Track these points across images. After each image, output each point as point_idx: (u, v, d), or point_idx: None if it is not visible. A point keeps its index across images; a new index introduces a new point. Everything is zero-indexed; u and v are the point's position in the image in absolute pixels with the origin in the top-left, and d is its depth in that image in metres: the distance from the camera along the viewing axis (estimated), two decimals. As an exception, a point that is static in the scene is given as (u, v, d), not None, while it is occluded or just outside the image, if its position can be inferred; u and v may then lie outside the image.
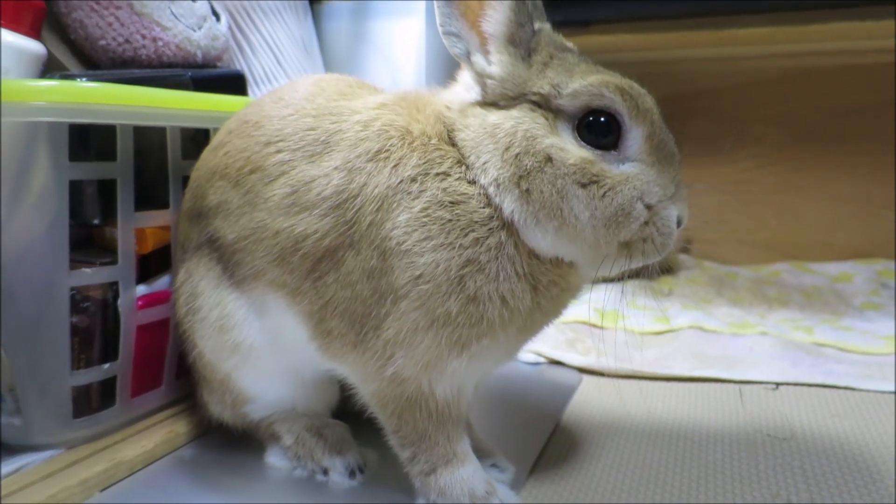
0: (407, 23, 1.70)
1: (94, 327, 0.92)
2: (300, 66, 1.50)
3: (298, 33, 1.51)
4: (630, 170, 0.68)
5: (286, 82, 1.48)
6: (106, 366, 0.92)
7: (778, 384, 1.14)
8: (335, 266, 0.71)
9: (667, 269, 1.97)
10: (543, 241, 0.69)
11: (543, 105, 0.69)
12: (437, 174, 0.69)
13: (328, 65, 1.71)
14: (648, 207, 0.68)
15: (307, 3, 1.59)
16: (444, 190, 0.68)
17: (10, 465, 0.84)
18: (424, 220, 0.67)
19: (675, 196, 0.70)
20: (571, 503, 0.79)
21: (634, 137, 0.69)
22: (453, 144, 0.72)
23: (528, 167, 0.67)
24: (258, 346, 0.82)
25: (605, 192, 0.67)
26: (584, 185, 0.67)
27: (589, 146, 0.68)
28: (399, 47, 1.70)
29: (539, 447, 0.93)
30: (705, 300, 1.65)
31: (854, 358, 1.25)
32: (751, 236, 2.10)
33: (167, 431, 0.95)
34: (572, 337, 1.36)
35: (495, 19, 0.70)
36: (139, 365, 0.96)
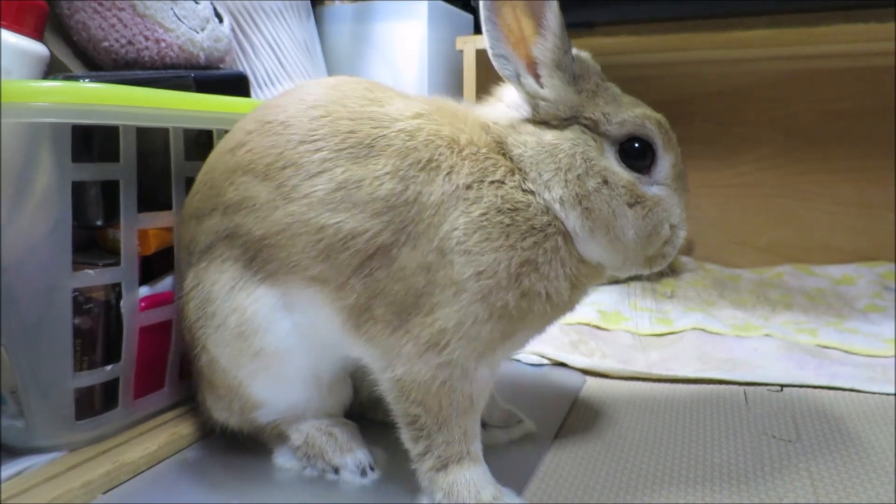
0: (409, 26, 1.70)
1: (97, 329, 0.92)
2: (302, 68, 1.50)
3: (301, 35, 1.51)
4: (659, 192, 0.78)
5: (293, 85, 1.49)
6: (108, 368, 0.91)
7: (782, 386, 1.13)
8: (387, 262, 0.74)
9: (669, 271, 1.97)
10: (595, 251, 0.78)
11: (592, 128, 0.77)
12: (492, 182, 0.75)
13: (330, 67, 1.72)
14: (671, 227, 0.79)
15: (309, 4, 1.60)
16: (502, 197, 0.75)
17: (13, 467, 0.84)
18: (484, 223, 0.73)
19: (685, 222, 0.81)
20: (576, 505, 0.79)
21: (664, 164, 0.79)
22: (502, 155, 0.78)
23: (590, 188, 0.75)
24: (282, 351, 0.81)
25: (646, 214, 0.77)
26: (631, 206, 0.76)
27: (628, 169, 0.77)
28: (401, 50, 1.71)
29: (543, 449, 0.93)
30: (708, 302, 1.65)
31: (858, 360, 1.25)
32: (753, 239, 2.10)
33: (170, 433, 0.94)
34: (576, 339, 1.36)
35: (544, 46, 0.76)
36: (142, 367, 0.95)
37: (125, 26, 1.07)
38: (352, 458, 0.86)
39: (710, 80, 2.08)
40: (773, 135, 2.06)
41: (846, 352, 1.29)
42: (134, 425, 0.96)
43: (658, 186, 0.78)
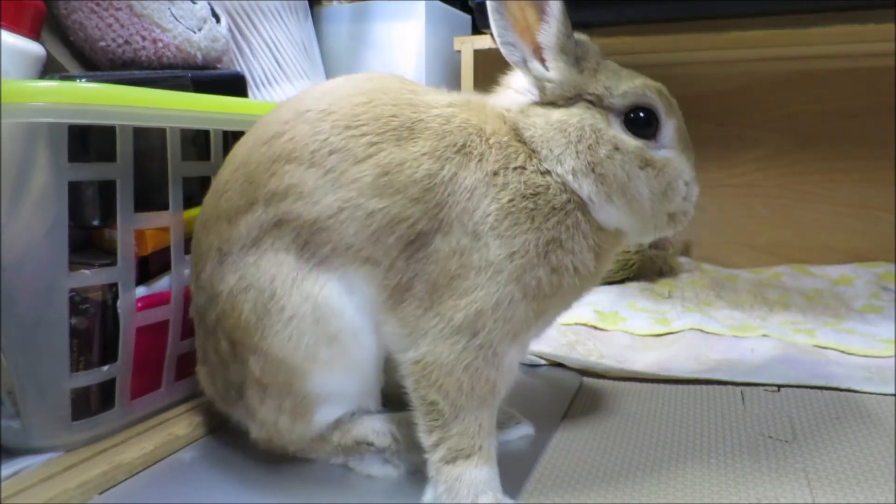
0: (407, 26, 1.70)
1: (94, 329, 0.92)
2: (300, 68, 1.50)
3: (298, 35, 1.51)
4: (668, 154, 0.83)
5: (290, 86, 1.49)
6: (105, 368, 0.91)
7: (779, 386, 1.13)
8: (425, 246, 0.78)
9: (666, 271, 1.97)
10: (613, 216, 0.82)
11: (597, 104, 0.82)
12: (515, 168, 0.80)
13: (328, 67, 1.72)
14: (685, 185, 0.84)
15: (307, 5, 1.60)
16: (525, 183, 0.79)
17: (9, 468, 0.84)
18: (511, 209, 0.78)
19: (695, 178, 0.86)
20: (573, 506, 0.79)
21: (668, 129, 0.83)
22: (519, 141, 0.82)
23: (602, 155, 0.80)
24: (357, 331, 0.80)
25: (657, 173, 0.81)
26: (642, 168, 0.81)
27: (635, 136, 0.81)
28: (399, 50, 1.71)
29: (540, 448, 0.93)
30: (706, 303, 1.65)
31: (855, 361, 1.25)
32: (751, 239, 2.10)
33: (167, 434, 0.94)
34: (573, 339, 1.36)
35: (548, 32, 0.81)
36: (139, 367, 0.95)
37: (122, 26, 1.07)
38: None
39: (708, 81, 2.08)
40: (770, 135, 2.06)
41: (843, 352, 1.29)
42: (130, 426, 0.96)
43: (665, 150, 0.83)
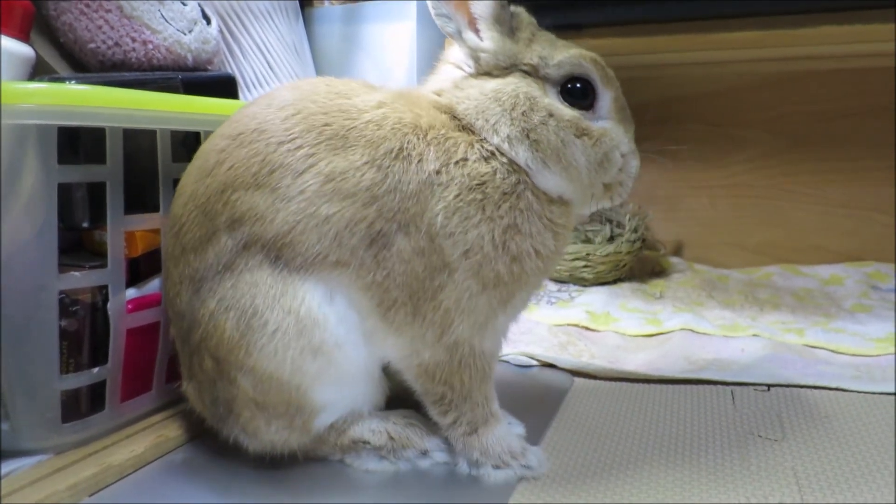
0: (398, 26, 1.70)
1: (84, 331, 0.91)
2: (291, 70, 1.50)
3: (289, 37, 1.51)
4: (605, 125, 0.84)
5: (273, 86, 1.48)
6: (95, 370, 0.91)
7: (769, 386, 1.14)
8: (388, 245, 0.78)
9: (658, 271, 1.98)
10: (552, 180, 0.83)
11: (533, 73, 0.83)
12: (457, 162, 0.79)
13: (319, 68, 1.71)
14: (622, 156, 0.85)
15: (298, 6, 1.59)
16: (469, 175, 0.79)
17: (-2, 470, 0.84)
18: (459, 204, 0.78)
19: (635, 151, 0.87)
20: (563, 505, 0.79)
21: (605, 100, 0.84)
22: (458, 129, 0.82)
23: (536, 121, 0.81)
24: (339, 341, 0.80)
25: (594, 142, 0.82)
26: (578, 137, 0.81)
27: (571, 107, 0.82)
28: (390, 51, 1.71)
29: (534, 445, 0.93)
30: (697, 303, 1.65)
31: (845, 360, 1.25)
32: (742, 239, 2.11)
33: (157, 436, 0.94)
34: (564, 340, 1.37)
35: (481, 3, 0.82)
36: (129, 369, 0.95)
37: (112, 28, 1.07)
38: (436, 438, 0.90)
39: (700, 82, 2.08)
40: (762, 136, 2.07)
41: (833, 351, 1.30)
42: (121, 428, 0.96)
43: (603, 121, 0.84)
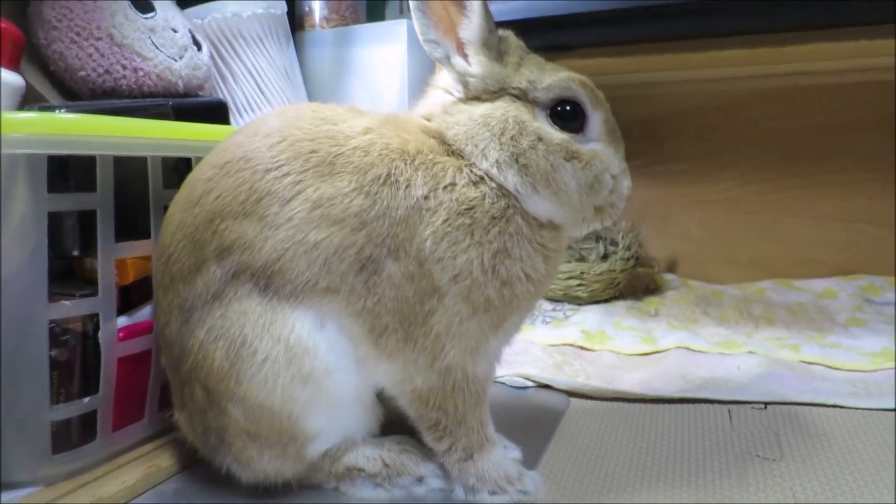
0: (389, 49, 1.71)
1: (74, 360, 0.91)
2: (282, 94, 1.50)
3: (280, 61, 1.51)
4: (596, 147, 0.84)
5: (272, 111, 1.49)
6: (86, 400, 0.90)
7: (766, 404, 1.13)
8: (378, 270, 0.78)
9: (653, 288, 1.98)
10: (541, 205, 0.82)
11: (522, 97, 0.82)
12: (445, 187, 0.79)
13: (311, 92, 1.72)
14: (613, 178, 0.84)
15: (289, 30, 1.60)
16: (457, 200, 0.78)
17: (-13, 504, 0.82)
18: (448, 229, 0.77)
19: (626, 172, 0.86)
20: (561, 530, 0.78)
21: (595, 122, 0.84)
22: (447, 154, 0.82)
23: (525, 146, 0.80)
24: (329, 368, 0.79)
25: (584, 165, 0.82)
26: (568, 160, 0.81)
27: (561, 130, 0.82)
28: (381, 73, 1.71)
29: (530, 469, 0.92)
30: (692, 320, 1.65)
31: (840, 375, 1.25)
32: (736, 254, 2.11)
33: (148, 466, 0.93)
34: (560, 360, 1.36)
35: (470, 27, 0.82)
36: (121, 398, 0.94)
37: (102, 56, 1.07)
38: (431, 464, 0.89)
39: (691, 98, 2.09)
40: (753, 151, 2.08)
41: (829, 367, 1.30)
42: (112, 457, 0.95)
43: (593, 143, 0.84)
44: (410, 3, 0.82)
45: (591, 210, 0.85)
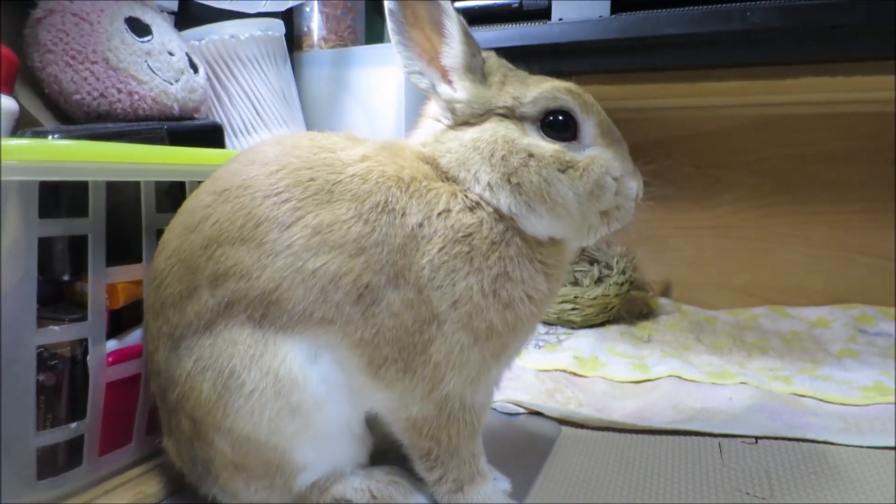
0: (386, 71, 1.71)
1: (62, 385, 0.90)
2: (279, 116, 1.50)
3: (277, 82, 1.51)
4: (592, 152, 0.82)
5: (269, 134, 1.49)
6: (73, 425, 0.90)
7: (757, 438, 1.13)
8: (378, 299, 0.77)
9: (647, 313, 1.98)
10: (539, 224, 0.81)
11: (509, 115, 0.82)
12: (440, 214, 0.78)
13: (307, 114, 1.72)
14: (615, 180, 0.82)
15: (286, 51, 1.60)
16: (453, 227, 0.78)
17: (-30, 531, 0.82)
18: (444, 258, 0.77)
19: (631, 172, 0.85)
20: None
21: (588, 127, 0.83)
22: (442, 180, 0.81)
23: (516, 164, 0.79)
24: (319, 401, 0.78)
25: (581, 173, 0.80)
26: (562, 171, 0.79)
27: (554, 141, 0.81)
28: (379, 95, 1.72)
29: (520, 500, 0.92)
30: (684, 347, 1.65)
31: (832, 409, 1.25)
32: (729, 280, 2.12)
33: (135, 492, 0.92)
34: (552, 387, 1.36)
35: (451, 54, 0.82)
36: (108, 422, 0.94)
37: (98, 79, 1.07)
38: (420, 495, 0.89)
39: (687, 124, 2.10)
40: (747, 177, 2.09)
41: (820, 400, 1.29)
42: (99, 482, 0.94)
43: (589, 149, 0.82)
44: (392, 38, 0.82)
45: (595, 217, 0.83)
